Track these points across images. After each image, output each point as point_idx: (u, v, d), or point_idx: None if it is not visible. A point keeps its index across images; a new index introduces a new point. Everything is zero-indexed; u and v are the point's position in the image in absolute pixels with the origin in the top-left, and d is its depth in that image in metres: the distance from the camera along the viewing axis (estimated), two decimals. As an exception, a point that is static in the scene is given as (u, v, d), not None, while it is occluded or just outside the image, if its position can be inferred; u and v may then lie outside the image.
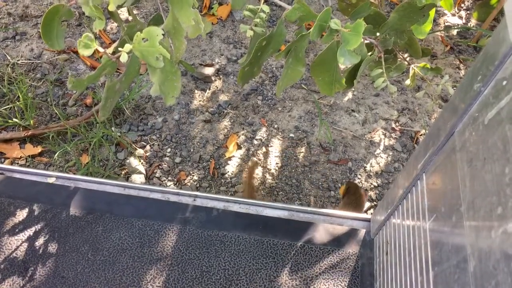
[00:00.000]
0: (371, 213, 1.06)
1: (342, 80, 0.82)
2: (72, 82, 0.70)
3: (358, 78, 0.93)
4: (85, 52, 0.64)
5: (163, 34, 0.65)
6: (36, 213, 0.81)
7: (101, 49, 0.71)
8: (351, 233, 0.81)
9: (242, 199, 0.86)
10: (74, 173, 1.11)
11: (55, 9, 0.80)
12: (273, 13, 1.56)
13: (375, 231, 0.78)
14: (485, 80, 0.43)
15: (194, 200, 0.84)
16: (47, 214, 0.82)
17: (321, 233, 0.82)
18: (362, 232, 0.82)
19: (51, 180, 0.89)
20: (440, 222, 0.50)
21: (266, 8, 0.84)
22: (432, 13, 1.12)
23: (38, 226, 0.80)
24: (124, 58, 0.69)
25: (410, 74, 1.22)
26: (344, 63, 0.72)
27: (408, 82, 1.19)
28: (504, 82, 0.40)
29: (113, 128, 1.19)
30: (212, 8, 1.46)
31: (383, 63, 0.98)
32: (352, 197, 1.06)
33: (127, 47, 0.69)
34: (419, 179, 0.58)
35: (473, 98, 0.45)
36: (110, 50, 0.71)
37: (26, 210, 0.82)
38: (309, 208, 0.86)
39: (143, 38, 0.67)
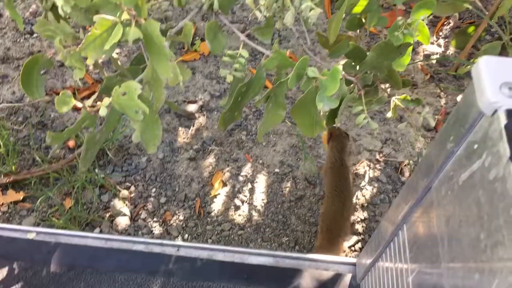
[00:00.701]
0: (357, 256, 1.06)
1: (322, 122, 0.83)
2: (51, 136, 0.70)
3: (339, 117, 0.94)
4: (63, 109, 0.64)
5: (141, 88, 0.65)
6: (16, 272, 0.80)
7: (79, 104, 0.71)
8: (337, 278, 0.81)
9: (227, 247, 0.85)
10: (58, 219, 1.09)
11: (35, 59, 0.80)
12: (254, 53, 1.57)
13: (361, 276, 0.77)
14: (457, 141, 0.43)
15: (178, 250, 0.83)
16: (27, 272, 0.80)
17: (307, 279, 0.82)
18: (348, 277, 0.81)
19: (31, 236, 0.88)
20: (421, 277, 0.50)
21: (245, 53, 0.85)
22: (410, 47, 1.14)
23: (18, 286, 0.79)
24: (103, 112, 0.69)
25: (391, 106, 1.23)
26: (324, 108, 0.72)
27: (389, 114, 1.21)
28: (475, 146, 0.40)
29: (96, 170, 1.18)
30: (195, 44, 1.47)
31: (363, 100, 0.99)
32: (336, 141, 1.14)
33: (106, 100, 0.69)
34: (400, 229, 0.58)
35: (447, 156, 0.45)
36: (89, 103, 0.71)
37: (6, 269, 0.81)
38: (294, 254, 0.86)
39: (122, 92, 0.67)
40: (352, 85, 1.07)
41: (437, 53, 1.57)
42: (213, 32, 0.86)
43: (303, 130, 0.84)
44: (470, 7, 1.34)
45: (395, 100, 1.24)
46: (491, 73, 0.39)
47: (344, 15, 1.00)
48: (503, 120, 0.37)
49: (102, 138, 0.78)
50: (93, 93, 1.33)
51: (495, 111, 0.38)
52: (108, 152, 1.21)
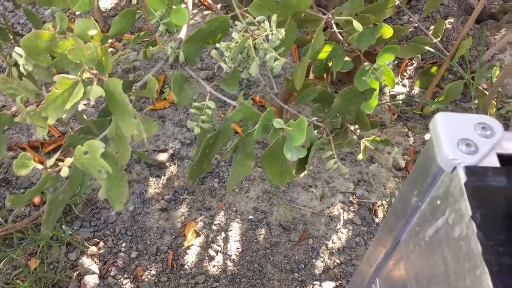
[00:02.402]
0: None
1: (292, 171, 0.82)
2: (11, 200, 0.67)
3: (309, 163, 0.94)
4: (22, 173, 0.62)
5: (104, 147, 0.64)
6: None
7: (39, 166, 0.68)
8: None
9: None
10: (23, 281, 1.04)
11: (-4, 118, 0.77)
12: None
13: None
14: (421, 196, 0.43)
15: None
16: None
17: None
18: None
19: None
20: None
21: (211, 104, 0.85)
22: (377, 91, 1.16)
23: None
24: (65, 172, 0.67)
25: (361, 148, 1.25)
26: (292, 158, 0.72)
27: (360, 156, 1.22)
28: (438, 202, 0.40)
29: (63, 227, 1.14)
30: (164, 92, 1.47)
31: (333, 145, 0.99)
32: None
33: (68, 161, 0.67)
34: (373, 283, 0.56)
35: (412, 211, 0.45)
36: (50, 163, 0.69)
37: None
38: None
39: (84, 151, 0.66)
40: (320, 128, 1.09)
41: (402, 93, 1.61)
42: (179, 85, 0.86)
43: (274, 179, 0.84)
44: (431, 49, 1.39)
45: (364, 142, 1.26)
46: (448, 129, 0.39)
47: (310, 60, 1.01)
48: (462, 177, 0.37)
49: (66, 198, 0.75)
50: (60, 146, 1.30)
51: (454, 167, 0.38)
52: (76, 206, 1.17)
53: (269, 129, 0.72)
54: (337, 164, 0.98)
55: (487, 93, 1.40)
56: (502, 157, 0.39)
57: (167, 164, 1.29)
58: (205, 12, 1.83)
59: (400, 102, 1.59)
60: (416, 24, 1.80)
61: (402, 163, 1.19)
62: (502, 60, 1.68)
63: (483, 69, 1.45)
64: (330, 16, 1.02)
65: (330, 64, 1.41)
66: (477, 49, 1.73)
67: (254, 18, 0.92)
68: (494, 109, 1.36)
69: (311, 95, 1.05)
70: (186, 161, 1.31)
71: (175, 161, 1.30)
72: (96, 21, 1.69)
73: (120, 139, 0.70)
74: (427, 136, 1.47)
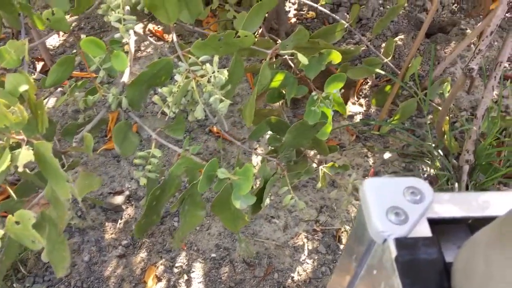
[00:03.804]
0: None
1: (244, 217, 0.80)
2: None
3: (264, 202, 0.91)
4: None
5: (35, 217, 0.60)
6: None
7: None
8: None
9: None
10: None
11: None
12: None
13: None
14: (359, 262, 0.41)
15: None
16: None
17: None
18: None
19: None
20: None
21: (157, 152, 0.82)
22: (329, 116, 1.15)
23: None
24: (-4, 245, 0.63)
25: (320, 176, 1.23)
26: (241, 206, 0.70)
27: (319, 185, 1.20)
28: (375, 271, 0.38)
29: (14, 285, 1.07)
30: (117, 130, 1.43)
31: (288, 180, 0.98)
32: None
33: (0, 232, 0.63)
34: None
35: (353, 276, 0.43)
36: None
37: None
38: None
39: (15, 221, 0.62)
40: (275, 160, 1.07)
41: (360, 113, 1.62)
42: (123, 134, 0.82)
43: (226, 225, 0.81)
44: (381, 72, 1.41)
45: (323, 169, 1.25)
46: (377, 198, 0.38)
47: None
48: (393, 251, 0.35)
49: (4, 268, 0.71)
50: (7, 197, 1.24)
51: (385, 239, 0.36)
52: (20, 267, 1.11)
53: (215, 179, 0.70)
54: (293, 199, 0.96)
55: (440, 108, 1.42)
56: (433, 222, 0.38)
57: (124, 206, 1.24)
58: (159, 43, 1.80)
59: (358, 123, 1.60)
60: (369, 43, 1.82)
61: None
62: (454, 73, 1.71)
63: (435, 85, 1.47)
64: (276, 50, 1.01)
65: (284, 91, 1.41)
66: (429, 64, 1.76)
67: (198, 58, 0.90)
68: (448, 125, 1.37)
69: (263, 130, 1.04)
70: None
71: (132, 203, 1.26)
72: (43, 61, 1.65)
73: (57, 202, 0.66)
74: (386, 155, 1.48)
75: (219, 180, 0.69)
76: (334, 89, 1.13)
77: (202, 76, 0.85)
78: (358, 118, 1.60)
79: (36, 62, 1.64)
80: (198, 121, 1.56)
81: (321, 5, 1.54)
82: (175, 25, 1.02)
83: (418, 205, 0.37)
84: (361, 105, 1.65)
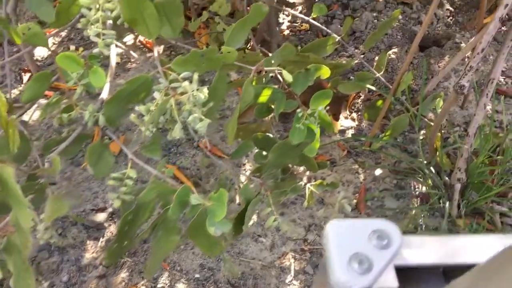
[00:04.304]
0: None
1: (221, 242, 0.77)
2: None
3: (246, 224, 0.88)
4: None
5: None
6: None
7: None
8: None
9: None
10: None
11: None
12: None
13: None
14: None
15: None
16: None
17: None
18: None
19: None
20: None
21: (133, 173, 0.79)
22: (317, 132, 1.13)
23: None
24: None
25: (307, 194, 1.20)
26: (216, 233, 0.67)
27: (305, 203, 1.17)
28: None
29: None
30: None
31: (271, 202, 0.95)
32: None
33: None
34: None
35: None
36: None
37: None
38: None
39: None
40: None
41: (351, 128, 1.59)
42: (97, 154, 0.79)
43: (203, 250, 0.78)
44: (372, 88, 1.38)
45: (310, 187, 1.21)
46: (340, 243, 0.35)
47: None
48: (357, 305, 0.32)
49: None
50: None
51: (349, 291, 0.33)
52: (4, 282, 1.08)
53: (188, 205, 0.67)
54: (277, 221, 0.93)
55: (433, 124, 1.40)
56: (402, 269, 0.35)
57: (106, 224, 1.21)
58: (148, 54, 1.78)
59: (349, 138, 1.57)
60: (362, 56, 1.79)
61: (348, 208, 1.15)
62: (448, 88, 1.69)
63: (427, 100, 1.44)
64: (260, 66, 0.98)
65: (273, 106, 1.38)
66: (424, 77, 1.73)
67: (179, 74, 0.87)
68: (440, 142, 1.34)
69: (247, 148, 1.01)
70: (127, 218, 1.24)
71: (115, 220, 1.23)
72: (30, 72, 1.62)
73: (20, 229, 0.63)
74: (377, 172, 1.45)
75: (192, 207, 0.66)
76: (320, 106, 1.11)
77: (182, 93, 0.83)
78: (350, 133, 1.58)
79: (23, 74, 1.62)
80: (187, 134, 1.53)
81: (313, 18, 1.51)
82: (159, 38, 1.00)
83: (385, 251, 0.34)
84: (353, 119, 1.62)
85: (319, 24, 1.52)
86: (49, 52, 1.75)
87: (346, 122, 1.61)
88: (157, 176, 0.72)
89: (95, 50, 0.89)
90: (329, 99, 1.11)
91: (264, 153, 1.22)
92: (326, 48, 1.48)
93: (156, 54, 0.94)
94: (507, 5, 1.04)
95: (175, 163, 1.39)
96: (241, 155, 1.09)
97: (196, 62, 0.89)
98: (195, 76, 0.82)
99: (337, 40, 1.48)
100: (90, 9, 0.90)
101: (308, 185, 1.21)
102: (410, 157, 1.45)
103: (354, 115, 1.63)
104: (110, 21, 0.94)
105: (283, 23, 2.01)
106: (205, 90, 0.81)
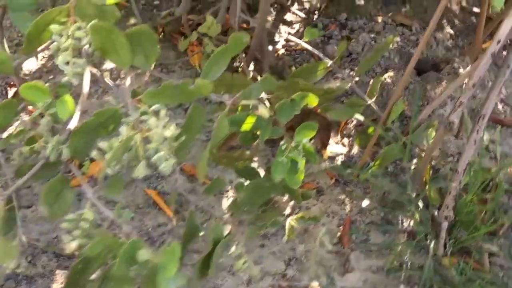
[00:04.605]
0: None
1: (179, 292, 0.73)
2: None
3: (213, 268, 0.84)
4: None
5: None
6: None
7: None
8: None
9: None
10: None
11: None
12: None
13: None
14: None
15: None
16: None
17: None
18: None
19: None
20: None
21: (90, 215, 0.75)
22: (302, 163, 1.10)
23: None
24: None
25: (287, 228, 1.16)
26: (170, 288, 0.63)
27: (285, 238, 1.12)
28: None
29: None
30: (83, 165, 1.37)
31: (241, 245, 0.90)
32: None
33: None
34: None
35: None
36: None
37: None
38: None
39: None
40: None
41: (342, 154, 1.55)
42: (55, 193, 0.75)
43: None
44: (360, 117, 1.34)
45: (290, 222, 1.17)
46: None
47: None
48: None
49: None
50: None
51: None
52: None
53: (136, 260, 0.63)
54: (246, 263, 0.89)
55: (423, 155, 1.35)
56: None
57: (77, 253, 1.17)
58: (137, 71, 1.74)
59: (339, 163, 1.52)
60: (357, 79, 1.75)
61: (329, 245, 1.11)
62: (444, 115, 1.64)
63: (420, 129, 1.40)
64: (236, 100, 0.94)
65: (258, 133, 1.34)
66: (418, 104, 1.68)
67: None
68: (429, 175, 1.30)
69: (219, 186, 0.97)
70: (101, 246, 1.20)
71: (88, 247, 1.18)
72: (15, 87, 1.59)
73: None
74: (365, 203, 1.40)
75: (140, 263, 0.62)
76: (305, 138, 1.07)
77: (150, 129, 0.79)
78: (339, 159, 1.53)
79: (9, 88, 1.59)
80: (170, 157, 1.49)
81: (306, 41, 1.47)
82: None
83: None
84: (344, 145, 1.57)
85: (311, 48, 1.48)
86: (39, 66, 1.72)
87: (336, 147, 1.56)
88: (114, 220, 0.68)
89: (64, 79, 0.86)
90: (315, 131, 1.07)
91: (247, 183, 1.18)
92: (317, 73, 1.44)
93: (128, 83, 0.91)
94: (499, 41, 1.00)
95: (156, 188, 1.35)
96: (214, 191, 1.06)
97: (169, 94, 0.86)
98: (163, 112, 0.78)
99: (328, 65, 1.44)
100: (61, 35, 0.87)
101: (289, 218, 1.16)
102: (400, 188, 1.40)
103: (346, 140, 1.59)
104: (87, 46, 0.91)
105: (279, 41, 1.97)
106: (173, 127, 0.78)
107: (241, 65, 1.66)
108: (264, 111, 0.89)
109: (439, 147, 1.46)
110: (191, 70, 1.72)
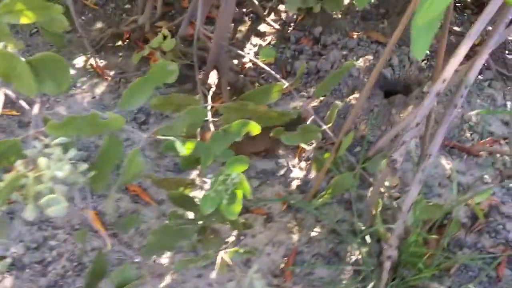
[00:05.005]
0: None
1: None
2: None
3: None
4: None
5: None
6: None
7: None
8: None
9: None
10: None
11: None
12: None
13: None
14: None
15: None
16: None
17: None
18: None
19: None
20: None
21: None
22: (239, 194, 1.05)
23: None
24: None
25: (218, 262, 1.12)
26: None
27: (213, 274, 1.07)
28: None
29: None
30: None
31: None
32: None
33: None
34: None
35: None
36: None
37: None
38: None
39: None
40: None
41: (298, 178, 1.49)
42: None
43: None
44: (306, 147, 1.28)
45: (223, 256, 1.12)
46: None
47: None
48: None
49: None
50: None
51: None
52: None
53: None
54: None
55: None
56: None
57: (0, 277, 1.12)
58: (95, 80, 1.69)
59: (294, 188, 1.47)
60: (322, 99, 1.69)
61: (259, 285, 1.05)
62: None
63: (376, 157, 1.34)
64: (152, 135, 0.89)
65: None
66: (381, 129, 1.62)
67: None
68: (378, 209, 1.24)
69: (134, 223, 0.92)
70: (28, 270, 1.15)
71: (13, 272, 1.14)
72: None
73: None
74: (315, 231, 1.34)
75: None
76: (236, 171, 1.01)
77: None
78: (295, 184, 1.47)
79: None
80: (117, 174, 1.44)
81: (263, 62, 1.41)
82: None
83: None
84: (301, 169, 1.52)
85: (267, 68, 1.42)
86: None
87: (293, 172, 1.50)
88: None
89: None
90: (246, 166, 1.02)
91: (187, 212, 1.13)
92: (271, 95, 1.38)
93: (35, 111, 0.85)
94: (444, 80, 0.94)
95: (96, 208, 1.29)
96: (129, 228, 1.00)
97: (75, 126, 0.80)
98: (57, 152, 0.72)
99: (285, 86, 1.38)
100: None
101: (221, 252, 1.11)
102: (354, 218, 1.34)
103: (303, 164, 1.53)
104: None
105: (248, 53, 1.91)
106: (67, 166, 0.72)
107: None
108: (179, 145, 0.83)
109: (390, 180, 1.40)
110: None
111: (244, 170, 1.00)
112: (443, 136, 1.02)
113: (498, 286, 1.25)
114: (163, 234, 0.85)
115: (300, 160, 1.54)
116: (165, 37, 1.42)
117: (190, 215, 1.11)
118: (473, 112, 1.01)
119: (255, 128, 1.11)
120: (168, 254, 1.23)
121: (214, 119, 1.27)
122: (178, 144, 0.83)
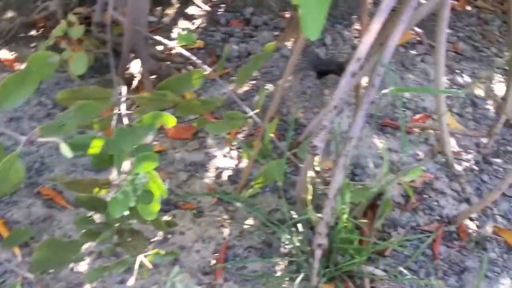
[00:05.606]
0: None
1: None
2: None
3: None
4: None
5: None
6: None
7: None
8: None
9: None
10: None
11: None
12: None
13: None
14: None
15: None
16: None
17: None
18: None
19: None
20: None
21: None
22: (156, 193, 0.97)
23: None
24: None
25: (135, 267, 1.04)
26: None
27: (132, 280, 1.00)
28: None
29: None
30: None
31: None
32: None
33: None
34: None
35: None
36: None
37: None
38: None
39: None
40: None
41: (229, 168, 1.42)
42: None
43: None
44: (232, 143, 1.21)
45: (142, 259, 1.05)
46: None
47: None
48: None
49: None
50: None
51: None
52: None
53: None
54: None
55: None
56: None
57: None
58: (4, 74, 1.54)
59: (226, 179, 1.40)
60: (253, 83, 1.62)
61: (180, 286, 0.99)
62: (340, 123, 1.54)
63: (306, 142, 1.29)
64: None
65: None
66: (314, 111, 1.58)
67: None
68: (312, 196, 1.19)
69: (21, 238, 0.82)
70: None
71: None
72: None
73: None
74: (248, 223, 1.29)
75: None
76: (146, 169, 0.93)
77: None
78: (226, 175, 1.41)
79: None
80: (29, 177, 1.32)
81: (182, 46, 1.32)
82: None
83: None
84: (232, 158, 1.45)
85: (187, 53, 1.33)
86: None
87: (224, 161, 1.43)
88: None
89: None
90: (156, 163, 0.94)
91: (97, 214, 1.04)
92: (192, 82, 1.29)
93: None
94: (359, 58, 0.89)
95: (4, 216, 1.18)
96: (14, 243, 0.91)
97: None
98: None
99: (207, 72, 1.30)
100: None
101: (140, 256, 1.03)
102: (288, 206, 1.29)
103: (234, 153, 1.46)
104: None
105: (173, 39, 1.81)
106: None
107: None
108: (65, 149, 0.73)
109: (321, 164, 1.36)
110: (66, 73, 1.54)
111: (154, 167, 0.91)
112: (364, 118, 0.98)
113: (434, 264, 1.24)
114: (52, 248, 0.76)
115: (230, 150, 1.47)
116: (72, 24, 1.29)
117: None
118: (385, 90, 0.97)
119: (170, 120, 1.03)
120: (87, 260, 1.14)
121: (129, 111, 1.18)
122: (63, 146, 0.74)
